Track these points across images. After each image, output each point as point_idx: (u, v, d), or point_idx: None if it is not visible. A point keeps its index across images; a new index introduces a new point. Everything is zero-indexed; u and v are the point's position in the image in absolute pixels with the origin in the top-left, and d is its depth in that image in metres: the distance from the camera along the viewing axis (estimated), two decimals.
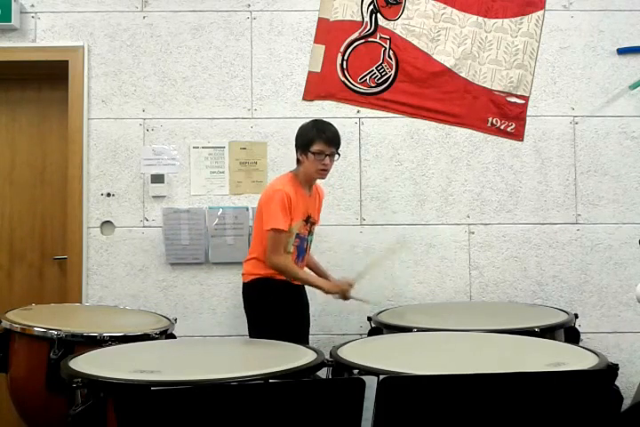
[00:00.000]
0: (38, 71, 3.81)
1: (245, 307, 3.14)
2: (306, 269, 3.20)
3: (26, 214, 3.89)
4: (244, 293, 3.15)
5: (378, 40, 3.45)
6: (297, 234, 3.07)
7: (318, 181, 3.22)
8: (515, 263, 3.66)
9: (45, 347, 2.53)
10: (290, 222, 2.98)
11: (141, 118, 3.67)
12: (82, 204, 3.63)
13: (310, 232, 3.15)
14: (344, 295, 3.00)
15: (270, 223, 2.95)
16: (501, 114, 3.56)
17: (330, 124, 3.09)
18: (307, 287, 3.20)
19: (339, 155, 3.10)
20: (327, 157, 3.01)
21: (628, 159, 3.70)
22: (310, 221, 3.13)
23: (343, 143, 3.64)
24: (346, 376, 2.03)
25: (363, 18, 3.45)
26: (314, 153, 2.99)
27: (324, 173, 3.06)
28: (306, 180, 3.10)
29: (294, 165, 3.16)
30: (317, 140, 2.99)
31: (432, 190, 3.68)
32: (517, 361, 2.17)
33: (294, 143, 3.11)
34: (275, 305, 3.03)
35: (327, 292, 3.01)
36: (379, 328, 2.93)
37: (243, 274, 3.16)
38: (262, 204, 3.05)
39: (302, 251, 3.12)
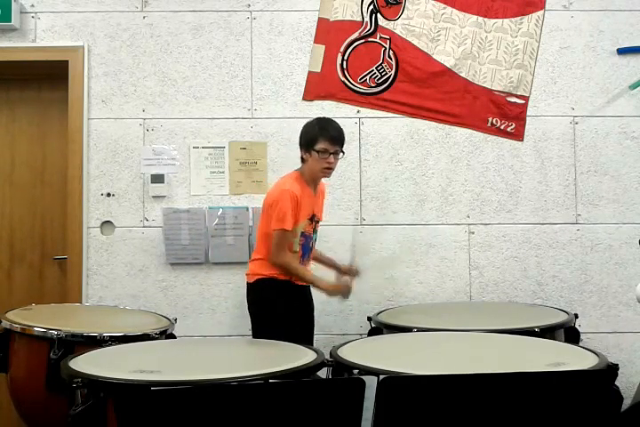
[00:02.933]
0: (38, 71, 3.81)
1: (249, 307, 3.14)
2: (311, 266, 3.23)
3: (26, 215, 3.88)
4: (248, 293, 3.14)
5: (378, 40, 3.45)
6: (302, 233, 3.07)
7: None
8: (515, 263, 3.66)
9: (45, 347, 2.53)
10: (296, 222, 2.99)
11: (141, 118, 3.67)
12: (82, 204, 3.63)
13: (315, 230, 3.16)
14: (344, 295, 2.99)
15: (278, 223, 2.95)
16: (501, 114, 3.56)
17: (334, 122, 3.08)
18: (311, 287, 3.22)
19: (343, 153, 3.09)
20: (331, 156, 3.00)
21: (628, 159, 3.70)
22: (315, 220, 3.14)
23: None
24: (346, 376, 2.03)
25: (363, 18, 3.45)
26: (318, 151, 2.99)
27: (328, 171, 3.05)
28: (311, 178, 3.09)
29: (294, 166, 3.16)
30: (321, 139, 2.98)
31: (432, 190, 3.68)
32: (517, 361, 2.17)
33: (298, 142, 3.11)
34: (278, 305, 3.03)
35: (328, 294, 3.01)
36: (379, 328, 2.93)
37: (247, 274, 3.16)
38: (269, 204, 3.04)
39: (307, 249, 3.13)
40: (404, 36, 3.45)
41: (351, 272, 3.22)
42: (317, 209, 3.17)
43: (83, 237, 3.62)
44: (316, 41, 3.43)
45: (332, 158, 3.00)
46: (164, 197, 3.64)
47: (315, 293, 3.22)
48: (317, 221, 3.18)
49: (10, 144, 3.91)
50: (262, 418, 1.49)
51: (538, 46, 3.47)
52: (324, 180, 3.27)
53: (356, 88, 3.53)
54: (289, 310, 3.04)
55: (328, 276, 3.24)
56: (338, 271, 3.25)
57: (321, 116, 3.54)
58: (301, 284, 3.12)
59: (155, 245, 3.63)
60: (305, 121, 3.15)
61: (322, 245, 3.47)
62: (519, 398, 1.54)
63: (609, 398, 1.61)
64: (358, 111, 3.64)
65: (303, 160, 3.08)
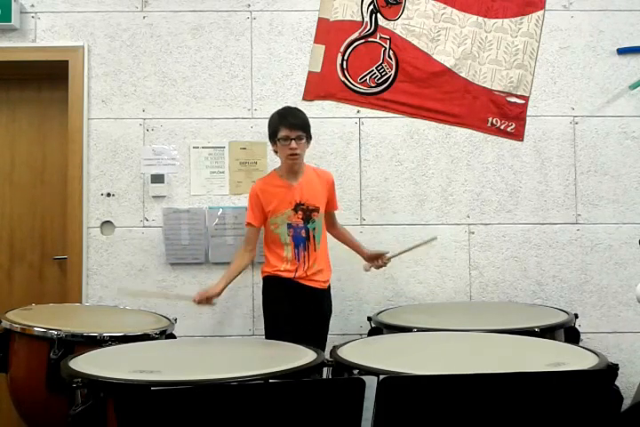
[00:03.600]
0: (38, 71, 3.81)
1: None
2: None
3: (26, 214, 3.88)
4: None
5: (378, 40, 3.45)
6: (289, 224, 3.06)
7: (325, 167, 3.35)
8: (515, 263, 3.66)
9: (45, 347, 2.53)
10: (261, 217, 3.09)
11: (141, 118, 3.67)
12: (82, 204, 3.63)
13: (308, 220, 3.09)
14: (198, 298, 2.90)
15: (247, 218, 3.16)
16: (501, 114, 3.56)
17: (294, 109, 3.12)
18: (331, 289, 3.21)
19: (309, 138, 3.08)
20: (293, 142, 3.01)
21: (628, 159, 3.70)
22: (303, 209, 3.09)
23: (343, 143, 3.66)
24: (346, 376, 2.03)
25: (363, 18, 3.45)
26: (280, 139, 3.03)
27: (293, 157, 3.04)
28: (286, 169, 3.11)
29: None
30: (280, 127, 3.03)
31: (432, 190, 3.68)
32: (517, 361, 2.17)
33: None
34: (279, 303, 3.03)
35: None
36: (379, 328, 2.93)
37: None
38: None
39: (301, 240, 3.08)
40: (403, 36, 3.44)
41: (377, 262, 3.25)
42: (306, 198, 3.09)
43: (83, 237, 3.62)
44: (316, 41, 3.43)
45: (293, 144, 3.01)
46: (164, 197, 3.64)
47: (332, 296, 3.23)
48: (312, 210, 3.11)
49: (10, 144, 3.91)
50: (262, 418, 1.49)
51: (538, 46, 3.47)
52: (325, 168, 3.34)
53: (356, 88, 3.53)
54: (291, 308, 3.02)
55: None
56: (362, 256, 3.29)
57: (321, 116, 3.56)
58: (308, 284, 3.08)
59: (155, 245, 3.63)
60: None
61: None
62: (519, 398, 1.54)
63: (609, 398, 1.61)
64: (358, 111, 3.64)
65: (276, 153, 3.12)
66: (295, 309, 3.04)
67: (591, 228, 3.67)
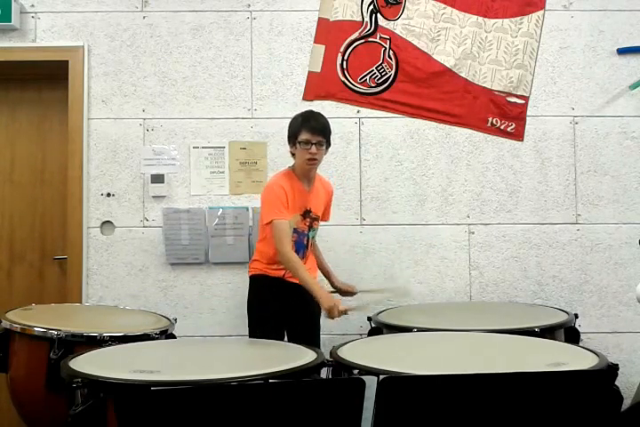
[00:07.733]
0: (38, 71, 3.81)
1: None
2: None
3: (26, 214, 3.88)
4: None
5: (378, 40, 3.46)
6: (295, 229, 3.03)
7: (324, 176, 3.24)
8: (515, 263, 3.66)
9: (45, 347, 2.52)
10: (289, 213, 2.96)
11: (141, 118, 3.67)
12: (82, 204, 3.63)
13: (311, 228, 3.10)
14: (331, 314, 2.76)
15: (271, 215, 2.92)
16: (501, 114, 3.56)
17: (317, 114, 3.05)
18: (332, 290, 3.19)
19: (328, 144, 3.03)
20: (314, 146, 2.95)
21: (628, 159, 3.70)
22: (310, 216, 3.08)
23: (343, 143, 3.66)
24: (346, 376, 2.03)
25: (363, 18, 3.46)
26: (300, 143, 2.97)
27: (312, 162, 3.00)
28: (302, 173, 3.06)
29: None
30: (302, 130, 2.96)
31: (432, 190, 3.68)
32: (517, 361, 2.17)
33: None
34: (265, 303, 3.01)
35: (321, 301, 2.80)
36: (379, 328, 2.93)
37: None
38: (261, 200, 3.04)
39: (302, 246, 3.07)
40: (404, 36, 3.45)
41: (346, 292, 3.21)
42: (314, 206, 3.10)
43: (83, 237, 3.62)
44: (316, 41, 3.44)
45: (314, 149, 2.95)
46: (164, 197, 3.64)
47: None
48: (315, 219, 3.12)
49: (10, 144, 3.91)
50: (262, 418, 1.49)
51: (538, 46, 3.47)
52: (326, 178, 3.27)
53: (356, 88, 3.53)
54: (280, 309, 3.00)
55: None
56: (331, 284, 3.23)
57: None
58: (297, 281, 3.04)
59: (155, 245, 3.63)
60: None
61: (322, 245, 3.46)
62: (519, 398, 1.54)
63: (609, 398, 1.61)
64: (358, 111, 3.64)
65: (293, 155, 3.06)
66: (284, 308, 3.02)
67: (591, 228, 3.67)
